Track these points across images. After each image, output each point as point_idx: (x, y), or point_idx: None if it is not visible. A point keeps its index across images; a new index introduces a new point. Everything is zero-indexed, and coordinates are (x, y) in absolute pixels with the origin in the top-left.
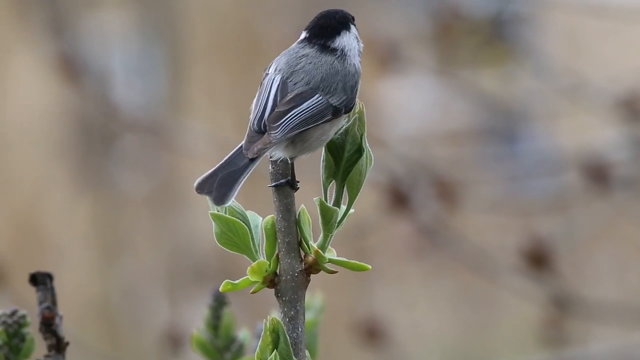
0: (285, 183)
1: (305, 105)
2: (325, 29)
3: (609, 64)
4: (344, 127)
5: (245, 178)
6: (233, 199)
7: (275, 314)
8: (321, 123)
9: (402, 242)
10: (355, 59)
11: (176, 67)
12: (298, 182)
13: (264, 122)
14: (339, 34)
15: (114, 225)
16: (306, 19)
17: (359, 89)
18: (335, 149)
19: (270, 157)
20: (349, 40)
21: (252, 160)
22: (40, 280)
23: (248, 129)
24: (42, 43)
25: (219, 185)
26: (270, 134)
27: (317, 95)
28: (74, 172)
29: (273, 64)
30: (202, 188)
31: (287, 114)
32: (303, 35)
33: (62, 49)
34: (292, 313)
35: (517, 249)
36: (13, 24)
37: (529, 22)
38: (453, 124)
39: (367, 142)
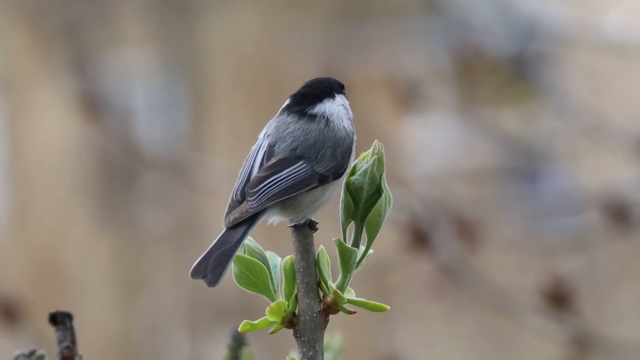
0: (305, 224)
1: (286, 172)
2: (307, 97)
3: (630, 103)
4: (363, 168)
5: (237, 251)
6: (223, 278)
7: (294, 354)
8: (309, 189)
9: (423, 281)
10: (343, 123)
11: (198, 105)
12: (317, 222)
13: (246, 190)
14: (320, 101)
15: (135, 263)
16: (328, 56)
17: (352, 155)
18: (354, 190)
19: (269, 223)
20: (331, 106)
21: (243, 232)
22: (60, 320)
23: (230, 198)
24: (65, 80)
25: (214, 266)
26: (248, 202)
27: (300, 162)
28: (96, 210)
29: (264, 128)
30: (197, 273)
31: (266, 180)
32: (287, 101)
33: (84, 86)
34: (310, 353)
35: (538, 289)
36: (36, 61)
37: (551, 61)
38: (474, 162)
39: (386, 182)
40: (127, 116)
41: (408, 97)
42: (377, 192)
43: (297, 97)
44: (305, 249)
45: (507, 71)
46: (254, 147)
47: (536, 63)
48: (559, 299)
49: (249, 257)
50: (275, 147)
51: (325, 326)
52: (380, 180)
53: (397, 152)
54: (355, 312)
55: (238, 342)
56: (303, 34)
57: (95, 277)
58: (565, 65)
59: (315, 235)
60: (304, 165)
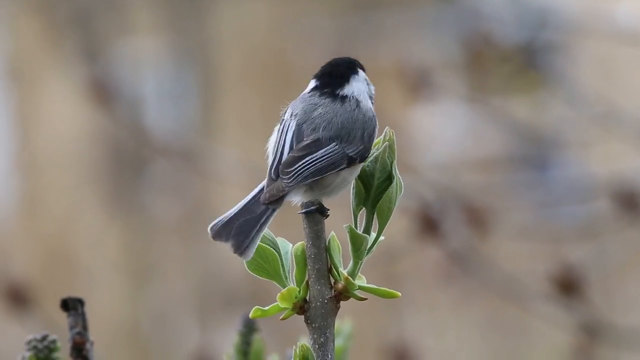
0: (316, 210)
1: (320, 153)
2: (334, 78)
3: None
4: (374, 155)
5: (265, 227)
6: (253, 251)
7: (305, 341)
8: (338, 170)
9: (432, 269)
10: (368, 103)
11: (208, 93)
12: (328, 209)
13: (280, 169)
14: (347, 81)
15: (145, 251)
16: (338, 45)
17: (375, 137)
18: (365, 177)
19: (293, 203)
20: (358, 86)
21: (270, 209)
22: (72, 306)
23: (267, 176)
24: (75, 68)
25: (237, 233)
26: (283, 180)
27: (333, 144)
28: (106, 197)
29: (289, 109)
30: (219, 235)
31: (301, 160)
32: (312, 84)
33: (94, 74)
34: (321, 340)
35: (548, 276)
36: (46, 49)
37: (562, 50)
38: (484, 151)
39: (397, 169)
40: (137, 104)
41: (418, 86)
42: (388, 178)
43: (324, 78)
44: (317, 236)
45: (518, 60)
46: (280, 127)
47: (547, 52)
48: (568, 286)
49: (260, 243)
50: (305, 126)
51: (337, 312)
52: (391, 167)
53: (407, 140)
54: (366, 299)
55: (249, 328)
56: (313, 23)
57: (105, 265)
58: (576, 54)
59: (326, 221)
60: (336, 147)
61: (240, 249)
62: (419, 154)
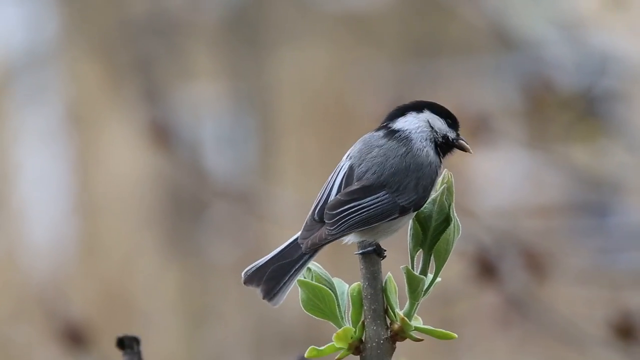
0: (372, 251)
1: (367, 201)
2: (392, 113)
3: None
4: (432, 197)
5: (300, 273)
6: (284, 298)
7: None
8: (389, 220)
9: (490, 313)
10: (426, 146)
11: (267, 137)
12: (385, 250)
13: (324, 211)
14: (403, 115)
15: (202, 293)
16: (397, 91)
17: (435, 185)
18: (423, 219)
19: (344, 242)
20: (413, 122)
21: (307, 255)
22: (127, 344)
23: (308, 216)
24: (135, 112)
25: (268, 278)
26: (327, 227)
27: (383, 192)
28: (163, 240)
29: (349, 149)
30: (250, 280)
31: (346, 205)
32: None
33: (154, 119)
34: None
35: (607, 322)
36: (107, 94)
37: (622, 97)
38: (544, 196)
39: (455, 212)
40: (196, 148)
41: (478, 131)
42: (446, 221)
43: (386, 114)
44: (373, 276)
45: (578, 107)
46: (336, 168)
47: (607, 99)
48: (627, 332)
49: (316, 283)
50: (357, 170)
51: (392, 353)
52: (449, 209)
53: (466, 185)
54: (422, 340)
55: None
56: (373, 69)
57: (162, 307)
58: (637, 101)
59: (383, 262)
60: (386, 195)
61: (269, 295)
62: (477, 199)
